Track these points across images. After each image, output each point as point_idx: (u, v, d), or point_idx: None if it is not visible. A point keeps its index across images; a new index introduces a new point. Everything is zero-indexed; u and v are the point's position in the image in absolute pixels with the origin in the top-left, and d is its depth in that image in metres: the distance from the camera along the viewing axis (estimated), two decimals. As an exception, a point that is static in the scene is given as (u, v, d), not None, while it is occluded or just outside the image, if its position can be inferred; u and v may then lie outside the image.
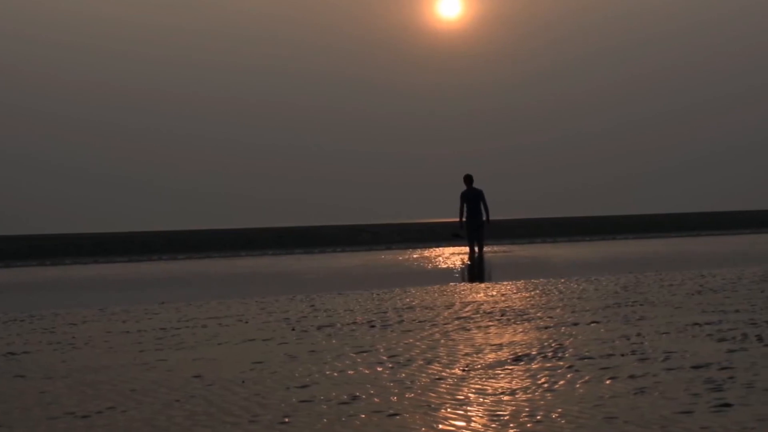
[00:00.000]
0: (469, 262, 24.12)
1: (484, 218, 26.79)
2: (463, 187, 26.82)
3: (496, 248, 33.62)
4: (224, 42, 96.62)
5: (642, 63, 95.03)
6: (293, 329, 9.48)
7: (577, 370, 6.41)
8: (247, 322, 10.27)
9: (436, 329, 9.03)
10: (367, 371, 6.73)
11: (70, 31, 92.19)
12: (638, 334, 8.09)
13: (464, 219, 26.59)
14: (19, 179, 78.39)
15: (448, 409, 5.33)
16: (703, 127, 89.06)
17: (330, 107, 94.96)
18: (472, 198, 26.42)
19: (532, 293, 12.67)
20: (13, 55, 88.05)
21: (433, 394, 5.78)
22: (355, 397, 5.75)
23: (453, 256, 28.01)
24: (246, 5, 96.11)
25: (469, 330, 8.88)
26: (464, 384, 6.09)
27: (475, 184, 26.86)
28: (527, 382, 6.05)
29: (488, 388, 5.93)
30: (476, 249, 26.83)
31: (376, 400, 5.67)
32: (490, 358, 7.08)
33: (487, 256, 27.43)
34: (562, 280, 14.93)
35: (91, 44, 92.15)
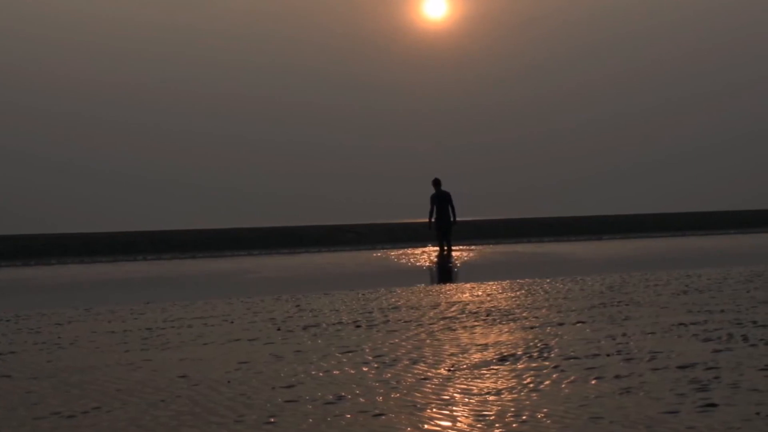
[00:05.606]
0: (438, 261, 24.81)
1: (452, 219, 27.80)
2: (432, 190, 27.86)
3: (484, 248, 33.66)
4: (214, 39, 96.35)
5: (631, 59, 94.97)
6: (279, 329, 9.47)
7: (562, 370, 6.42)
8: (232, 322, 10.26)
9: (422, 329, 9.04)
10: (352, 371, 6.73)
11: (68, 29, 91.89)
12: (624, 334, 8.11)
13: (433, 220, 27.49)
14: (8, 178, 78.05)
15: (434, 409, 5.33)
16: (692, 123, 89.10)
17: (320, 106, 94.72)
18: (441, 200, 27.49)
19: (518, 293, 12.69)
20: (12, 54, 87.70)
21: (418, 394, 5.78)
22: (340, 397, 5.76)
23: (422, 255, 28.18)
24: (240, 4, 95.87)
25: (454, 330, 8.89)
26: (450, 384, 6.10)
27: (449, 186, 28.45)
28: (513, 382, 6.06)
29: (474, 388, 5.93)
30: (445, 248, 27.91)
31: (361, 400, 5.67)
32: (475, 358, 7.09)
33: (472, 255, 27.53)
34: (548, 280, 14.95)
35: (88, 43, 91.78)
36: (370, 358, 7.34)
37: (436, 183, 27.77)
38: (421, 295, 12.99)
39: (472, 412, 5.22)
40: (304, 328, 9.52)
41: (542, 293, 12.55)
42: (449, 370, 6.61)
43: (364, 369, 6.81)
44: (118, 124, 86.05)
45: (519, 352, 7.30)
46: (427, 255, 28.60)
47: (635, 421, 4.84)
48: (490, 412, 5.19)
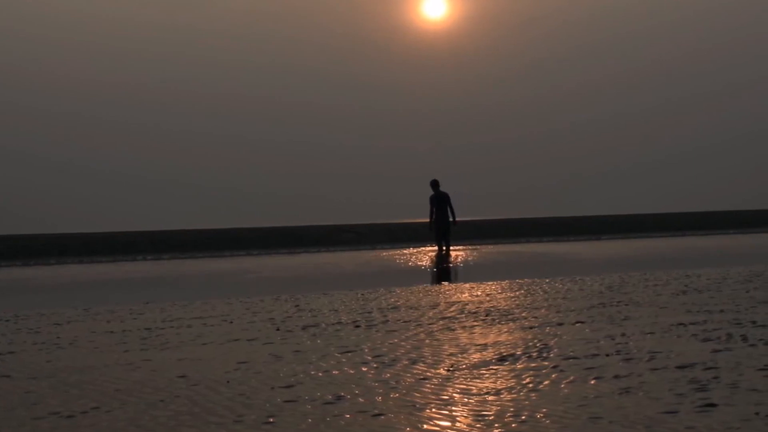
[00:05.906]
0: (436, 261, 24.97)
1: (451, 219, 28.25)
2: (431, 192, 28.42)
3: (483, 248, 33.67)
4: (214, 39, 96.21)
5: (631, 59, 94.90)
6: (278, 329, 9.47)
7: (561, 370, 6.42)
8: (231, 322, 10.26)
9: (421, 329, 9.03)
10: (351, 371, 6.73)
11: (68, 29, 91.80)
12: (623, 334, 8.11)
13: (432, 221, 28.04)
14: (8, 178, 77.99)
15: (433, 410, 5.33)
16: (692, 123, 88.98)
17: (320, 106, 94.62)
18: (440, 201, 27.97)
19: (517, 293, 12.69)
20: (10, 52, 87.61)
21: (417, 394, 5.78)
22: (339, 397, 5.75)
23: (421, 256, 28.23)
24: (240, 4, 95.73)
25: (453, 330, 8.89)
26: (449, 384, 6.10)
27: (444, 187, 28.52)
28: (512, 382, 6.05)
29: (473, 388, 5.93)
30: (443, 248, 28.36)
31: (361, 400, 5.67)
32: (474, 358, 7.09)
33: (471, 255, 27.55)
34: (547, 280, 14.95)
35: (88, 43, 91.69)
36: (369, 358, 7.34)
37: (435, 184, 28.12)
38: (420, 295, 12.99)
39: (471, 412, 5.21)
40: (304, 328, 9.52)
41: (541, 293, 12.55)
42: (448, 370, 6.61)
43: (364, 369, 6.81)
44: (118, 124, 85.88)
45: (518, 352, 7.30)
46: (426, 255, 28.61)
47: (634, 421, 4.84)
48: (490, 412, 5.19)
